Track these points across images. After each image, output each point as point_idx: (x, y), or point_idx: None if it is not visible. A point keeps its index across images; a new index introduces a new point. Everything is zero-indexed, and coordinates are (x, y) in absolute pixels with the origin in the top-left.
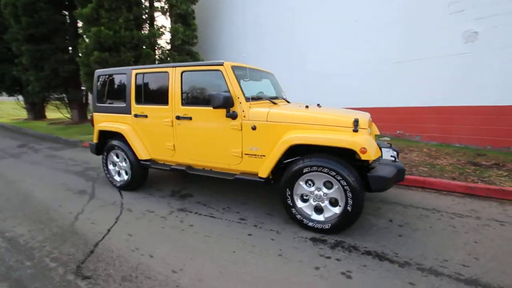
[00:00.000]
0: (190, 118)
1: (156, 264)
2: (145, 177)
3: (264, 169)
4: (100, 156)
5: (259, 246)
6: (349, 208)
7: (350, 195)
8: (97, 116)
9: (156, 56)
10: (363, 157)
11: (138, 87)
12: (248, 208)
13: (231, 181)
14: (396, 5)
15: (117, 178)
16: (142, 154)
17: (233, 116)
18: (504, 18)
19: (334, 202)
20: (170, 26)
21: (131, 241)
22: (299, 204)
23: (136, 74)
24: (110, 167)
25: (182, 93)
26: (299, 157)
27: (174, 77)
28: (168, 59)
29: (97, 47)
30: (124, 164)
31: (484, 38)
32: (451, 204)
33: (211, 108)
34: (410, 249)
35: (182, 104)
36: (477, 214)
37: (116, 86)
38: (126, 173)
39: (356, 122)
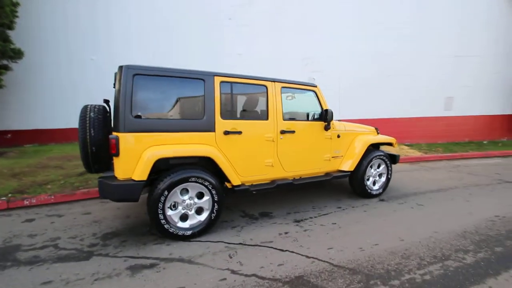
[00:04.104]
0: (293, 132)
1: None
2: None
3: (351, 165)
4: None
5: (383, 213)
6: (389, 177)
7: (390, 168)
8: (134, 137)
9: None
10: (395, 146)
11: (225, 99)
12: (325, 203)
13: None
14: (269, 52)
15: (182, 224)
16: (237, 179)
17: (328, 128)
18: (322, 74)
19: (380, 175)
20: None
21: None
22: (367, 182)
23: (221, 83)
24: (170, 212)
25: (283, 107)
26: (371, 150)
27: (274, 91)
28: None
29: None
30: (197, 200)
31: (318, 82)
32: None
33: (310, 122)
34: (412, 189)
35: (284, 118)
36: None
37: (178, 94)
38: (199, 213)
39: (377, 129)
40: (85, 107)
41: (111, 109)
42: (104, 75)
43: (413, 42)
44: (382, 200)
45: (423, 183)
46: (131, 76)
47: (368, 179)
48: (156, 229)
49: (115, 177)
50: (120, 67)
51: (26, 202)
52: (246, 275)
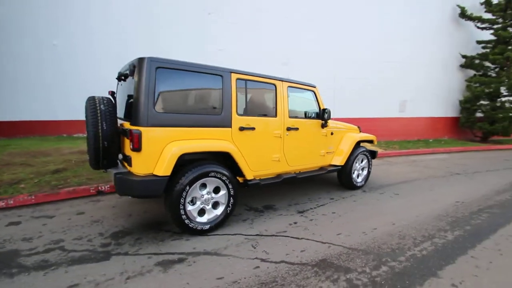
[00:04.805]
0: (297, 129)
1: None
2: None
3: (341, 160)
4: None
5: (369, 202)
6: (370, 170)
7: (371, 163)
8: (157, 132)
9: None
10: (375, 143)
11: (239, 95)
12: (318, 195)
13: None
14: (248, 51)
15: (200, 219)
16: (250, 173)
17: (324, 126)
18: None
19: (363, 169)
20: None
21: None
22: (353, 175)
23: (237, 80)
24: (190, 207)
25: (288, 105)
26: (356, 146)
27: (282, 90)
28: None
29: None
30: (214, 195)
31: None
32: None
33: (310, 119)
34: (385, 181)
35: (289, 116)
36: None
37: (196, 88)
38: (215, 207)
39: (359, 127)
40: (93, 99)
41: (116, 101)
42: (63, 62)
43: (375, 47)
44: (364, 191)
45: (392, 176)
46: (154, 69)
47: (353, 173)
48: (176, 224)
49: (131, 173)
50: (141, 59)
51: (1, 203)
52: (275, 262)
